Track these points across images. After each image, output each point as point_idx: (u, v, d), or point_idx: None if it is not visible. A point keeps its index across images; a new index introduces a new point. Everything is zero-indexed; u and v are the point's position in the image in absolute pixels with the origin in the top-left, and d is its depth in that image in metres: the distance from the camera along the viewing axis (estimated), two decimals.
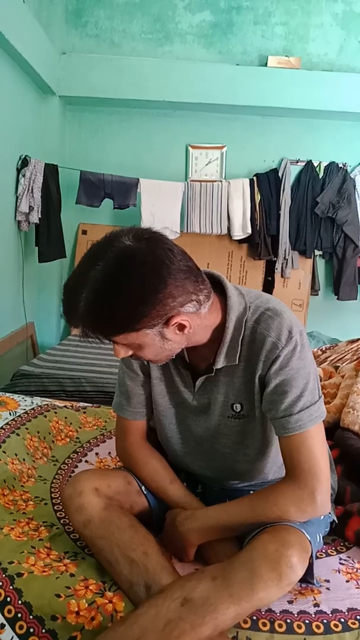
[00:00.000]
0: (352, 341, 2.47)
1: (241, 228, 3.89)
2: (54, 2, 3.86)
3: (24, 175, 3.36)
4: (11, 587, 1.04)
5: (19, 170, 3.38)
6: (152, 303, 0.93)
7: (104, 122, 4.10)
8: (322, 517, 1.15)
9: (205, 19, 3.97)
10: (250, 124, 4.07)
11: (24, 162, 3.38)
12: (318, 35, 3.96)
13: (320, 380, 1.82)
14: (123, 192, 3.77)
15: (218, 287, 1.11)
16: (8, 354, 3.37)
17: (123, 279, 0.91)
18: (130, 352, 1.04)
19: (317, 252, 4.14)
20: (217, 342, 1.10)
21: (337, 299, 4.08)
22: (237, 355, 1.09)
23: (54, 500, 1.40)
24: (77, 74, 3.79)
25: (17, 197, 3.38)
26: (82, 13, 3.96)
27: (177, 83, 3.78)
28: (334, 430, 1.57)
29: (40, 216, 3.46)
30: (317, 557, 1.16)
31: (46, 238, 3.59)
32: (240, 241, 4.02)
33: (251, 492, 1.19)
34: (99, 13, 3.96)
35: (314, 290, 4.21)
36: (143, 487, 1.24)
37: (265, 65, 3.86)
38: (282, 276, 4.09)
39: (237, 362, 1.10)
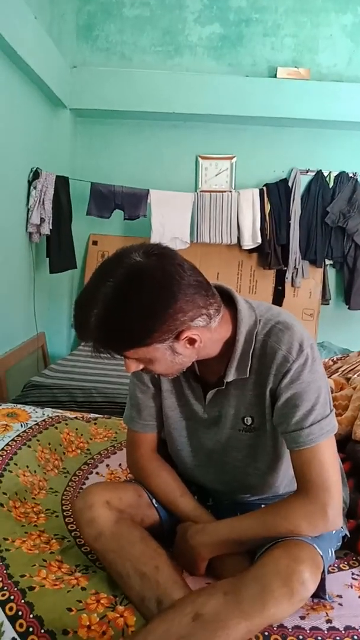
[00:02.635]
0: None
1: (251, 238, 3.90)
2: (65, 17, 3.92)
3: (35, 188, 3.39)
4: (23, 601, 1.04)
5: (30, 183, 3.42)
6: (163, 318, 0.93)
7: (114, 134, 4.14)
8: (334, 531, 1.14)
9: (215, 31, 4.00)
10: (259, 134, 4.08)
11: (35, 174, 3.42)
12: (327, 46, 3.98)
13: (332, 392, 1.81)
14: (133, 203, 3.79)
15: (228, 300, 1.11)
16: (19, 365, 3.39)
17: (133, 295, 0.91)
18: (141, 367, 1.04)
19: (327, 262, 4.13)
20: (227, 355, 1.10)
21: (349, 308, 4.06)
22: (248, 368, 1.09)
23: (65, 513, 1.40)
24: (87, 87, 3.84)
25: (28, 209, 3.42)
26: (93, 27, 4.02)
27: (186, 95, 3.82)
28: (346, 443, 1.56)
29: (51, 227, 3.49)
30: (329, 572, 1.15)
31: (57, 249, 3.62)
32: (250, 251, 4.03)
33: (262, 505, 1.18)
34: (110, 27, 4.01)
35: (324, 299, 4.19)
36: (154, 500, 1.24)
37: (275, 76, 3.88)
38: (292, 285, 4.09)
39: (247, 375, 1.10)
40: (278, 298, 4.11)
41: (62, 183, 3.61)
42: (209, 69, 4.00)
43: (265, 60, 4.00)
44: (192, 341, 1.01)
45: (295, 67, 3.92)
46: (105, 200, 3.79)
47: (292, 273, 4.03)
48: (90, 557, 1.20)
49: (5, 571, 1.12)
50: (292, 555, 0.96)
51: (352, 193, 3.93)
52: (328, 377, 2.02)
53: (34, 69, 3.11)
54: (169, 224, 3.82)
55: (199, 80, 3.84)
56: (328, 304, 4.22)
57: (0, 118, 2.95)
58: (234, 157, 4.13)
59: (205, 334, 1.03)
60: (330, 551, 1.13)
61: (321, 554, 1.01)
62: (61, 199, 3.60)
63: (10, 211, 3.22)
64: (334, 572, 1.20)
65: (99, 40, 4.03)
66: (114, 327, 0.94)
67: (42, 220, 3.43)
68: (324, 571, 1.01)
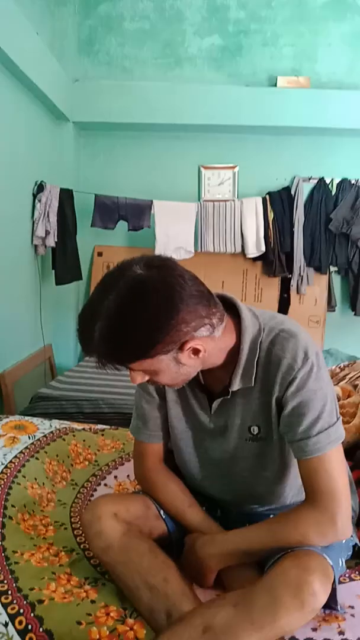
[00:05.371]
0: None
1: (255, 246, 3.90)
2: (67, 32, 3.97)
3: (39, 201, 3.42)
4: (32, 615, 1.04)
5: (35, 196, 3.44)
6: (166, 329, 0.94)
7: (116, 146, 4.17)
8: (344, 540, 1.13)
9: (214, 42, 4.03)
10: (261, 143, 4.10)
11: (40, 187, 3.45)
12: (326, 55, 4.00)
13: (339, 399, 1.80)
14: (137, 214, 3.81)
15: (231, 309, 1.12)
16: (27, 377, 3.39)
17: (136, 308, 0.92)
18: (147, 378, 1.04)
19: (332, 269, 4.13)
20: (232, 364, 1.10)
21: (355, 314, 4.05)
22: (253, 377, 1.09)
23: (73, 525, 1.40)
24: (89, 100, 3.88)
25: (33, 222, 3.44)
26: (94, 41, 4.06)
27: (187, 105, 3.85)
28: (355, 451, 1.55)
29: (56, 240, 3.52)
30: (340, 582, 1.14)
31: (63, 261, 3.64)
32: (255, 259, 4.03)
33: (271, 516, 1.18)
34: (111, 41, 4.06)
35: (330, 306, 4.18)
36: (162, 512, 1.23)
37: (275, 85, 3.90)
38: (297, 293, 4.08)
39: (252, 384, 1.10)
40: (284, 306, 4.10)
41: (66, 195, 3.64)
42: (209, 79, 4.03)
43: (265, 69, 4.02)
44: (196, 351, 1.01)
45: (295, 75, 3.94)
46: (109, 211, 3.81)
47: (297, 280, 4.03)
48: (99, 570, 1.20)
49: (14, 584, 1.12)
50: (302, 566, 0.95)
51: (355, 200, 3.92)
52: (335, 385, 2.01)
53: (36, 84, 3.14)
54: (173, 234, 3.83)
55: (199, 91, 3.87)
56: (334, 311, 4.21)
57: (5, 132, 2.99)
58: (236, 166, 4.15)
59: (209, 343, 1.03)
60: (340, 561, 1.12)
61: (331, 563, 1.00)
62: (66, 212, 3.62)
63: (15, 224, 3.25)
64: (345, 582, 1.18)
65: (100, 54, 4.07)
66: (118, 341, 0.94)
67: (47, 232, 3.45)
68: (334, 581, 1.00)
